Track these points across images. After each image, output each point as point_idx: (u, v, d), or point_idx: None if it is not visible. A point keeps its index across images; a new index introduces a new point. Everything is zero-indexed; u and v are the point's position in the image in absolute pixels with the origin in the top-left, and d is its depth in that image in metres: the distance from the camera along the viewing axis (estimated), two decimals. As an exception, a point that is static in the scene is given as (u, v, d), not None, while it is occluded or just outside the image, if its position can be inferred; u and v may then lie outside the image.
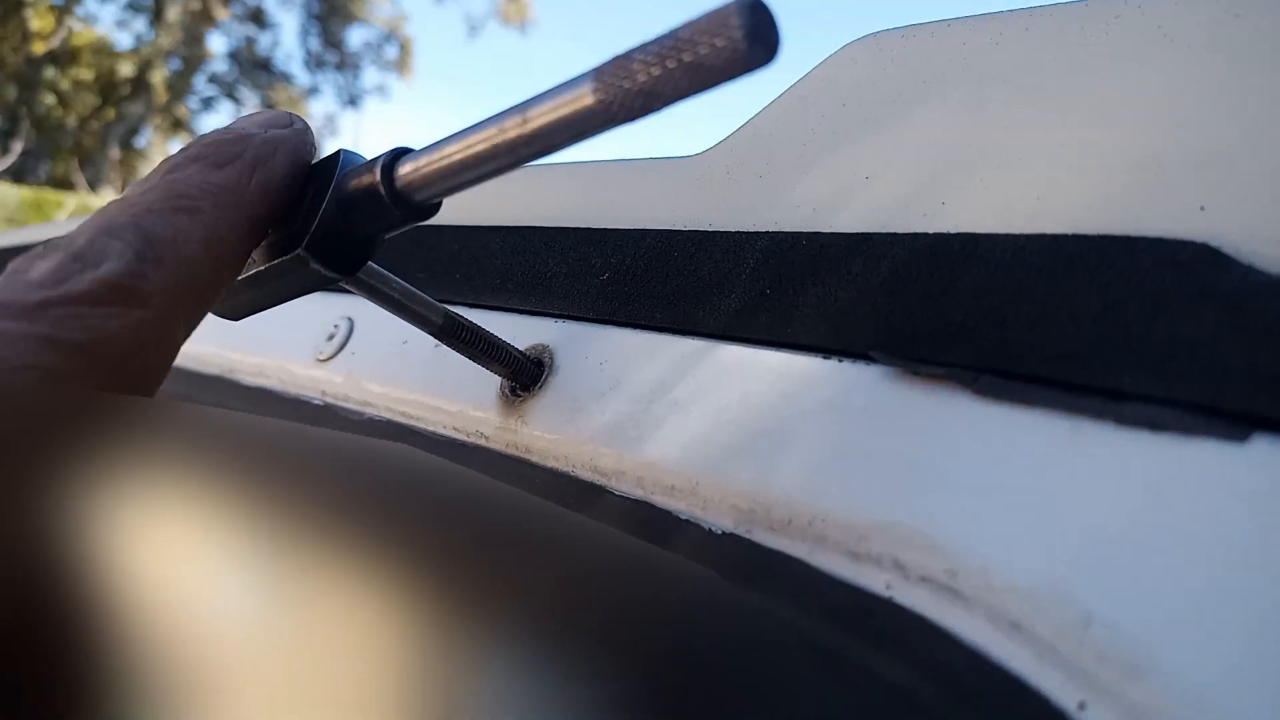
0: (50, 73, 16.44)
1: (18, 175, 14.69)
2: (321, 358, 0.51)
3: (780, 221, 0.36)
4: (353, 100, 20.36)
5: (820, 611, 0.28)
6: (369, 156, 0.31)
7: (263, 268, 0.31)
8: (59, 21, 16.31)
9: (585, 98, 0.23)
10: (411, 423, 0.44)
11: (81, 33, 16.94)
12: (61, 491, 0.20)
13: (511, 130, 0.24)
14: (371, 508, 0.29)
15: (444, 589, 0.27)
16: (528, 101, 0.24)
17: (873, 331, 0.30)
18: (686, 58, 0.21)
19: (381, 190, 0.28)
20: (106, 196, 12.90)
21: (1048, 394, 0.26)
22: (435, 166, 0.27)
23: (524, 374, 0.39)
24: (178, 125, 18.34)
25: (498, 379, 0.41)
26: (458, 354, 0.44)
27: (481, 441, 0.40)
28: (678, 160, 0.43)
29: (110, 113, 17.29)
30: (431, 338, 0.45)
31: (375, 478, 0.31)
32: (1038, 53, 0.33)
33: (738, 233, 0.36)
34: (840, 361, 0.30)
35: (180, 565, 0.20)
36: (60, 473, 0.20)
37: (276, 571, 0.20)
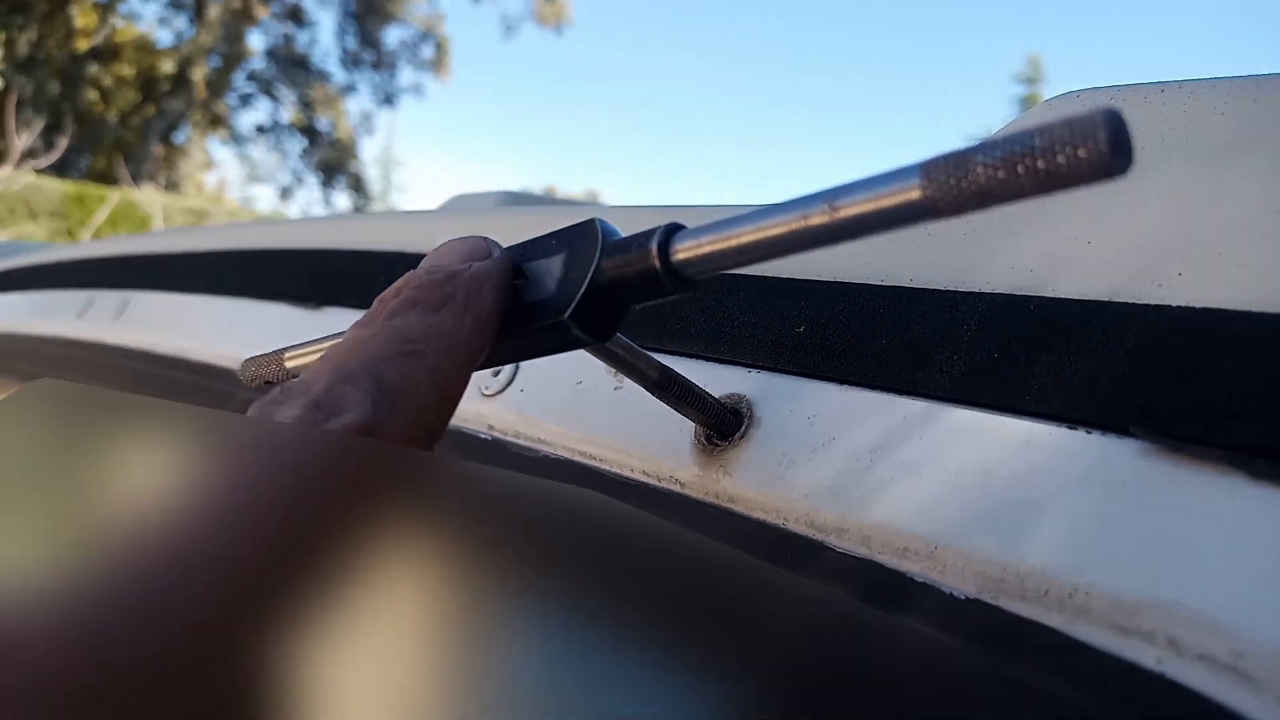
0: (93, 69, 16.70)
1: (60, 169, 14.93)
2: (487, 393, 0.51)
3: (994, 283, 0.36)
4: (388, 99, 20.51)
5: (1081, 682, 0.28)
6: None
7: (517, 332, 0.32)
8: (102, 19, 16.56)
9: (910, 192, 0.23)
10: (594, 464, 0.45)
11: (124, 30, 17.19)
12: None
13: (816, 218, 0.25)
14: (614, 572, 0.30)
15: (677, 656, 0.28)
16: (837, 190, 0.25)
17: (1126, 406, 0.30)
18: (1040, 164, 0.21)
19: (657, 267, 0.29)
20: (148, 192, 13.08)
21: (1333, 481, 0.26)
22: (719, 247, 0.27)
23: (723, 424, 0.40)
24: (216, 122, 18.57)
25: (689, 426, 0.42)
26: (640, 396, 0.44)
27: (676, 488, 0.41)
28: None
29: (151, 109, 17.52)
30: (611, 379, 0.46)
31: (608, 538, 0.32)
32: (1269, 124, 0.33)
33: (951, 292, 0.37)
34: (1089, 434, 0.31)
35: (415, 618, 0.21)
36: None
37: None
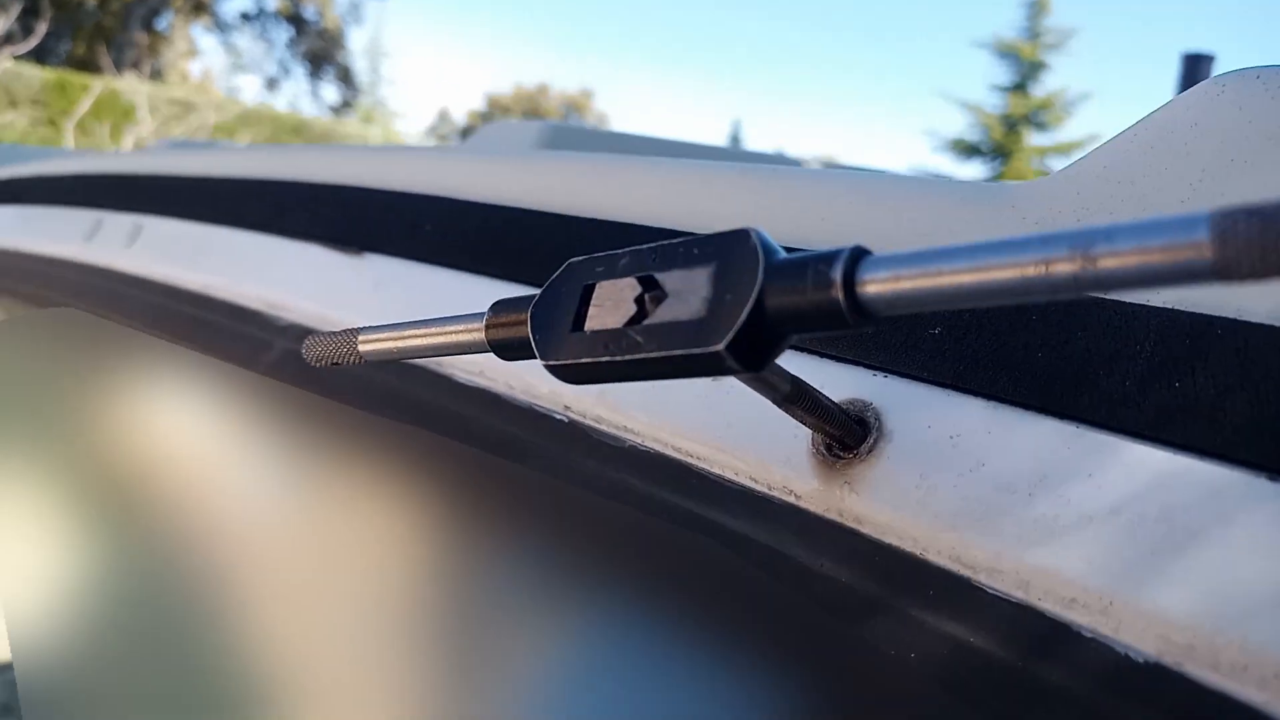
0: (70, -52, 15.97)
1: (39, 56, 14.42)
2: (563, 371, 0.48)
3: (1169, 296, 0.32)
4: (378, -13, 19.78)
5: (1287, 771, 0.26)
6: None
7: (657, 355, 0.28)
8: (78, -107, 15.76)
9: (1195, 248, 0.19)
10: (692, 462, 0.41)
11: (101, -94, 16.37)
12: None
13: (1062, 265, 0.21)
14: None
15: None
16: (1091, 233, 0.21)
17: (1348, 461, 0.27)
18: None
19: (840, 299, 0.25)
20: (131, 81, 12.69)
21: None
22: (923, 285, 0.23)
23: (848, 434, 0.36)
24: (199, 8, 17.92)
25: (804, 431, 0.38)
26: (743, 391, 0.41)
27: (791, 499, 0.38)
28: (1000, 188, 0.39)
29: (131, -8, 16.85)
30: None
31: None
32: None
33: (1116, 302, 0.33)
34: (1297, 487, 0.28)
35: None
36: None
37: None
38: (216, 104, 14.08)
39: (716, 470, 0.41)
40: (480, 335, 0.35)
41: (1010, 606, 0.31)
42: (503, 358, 0.35)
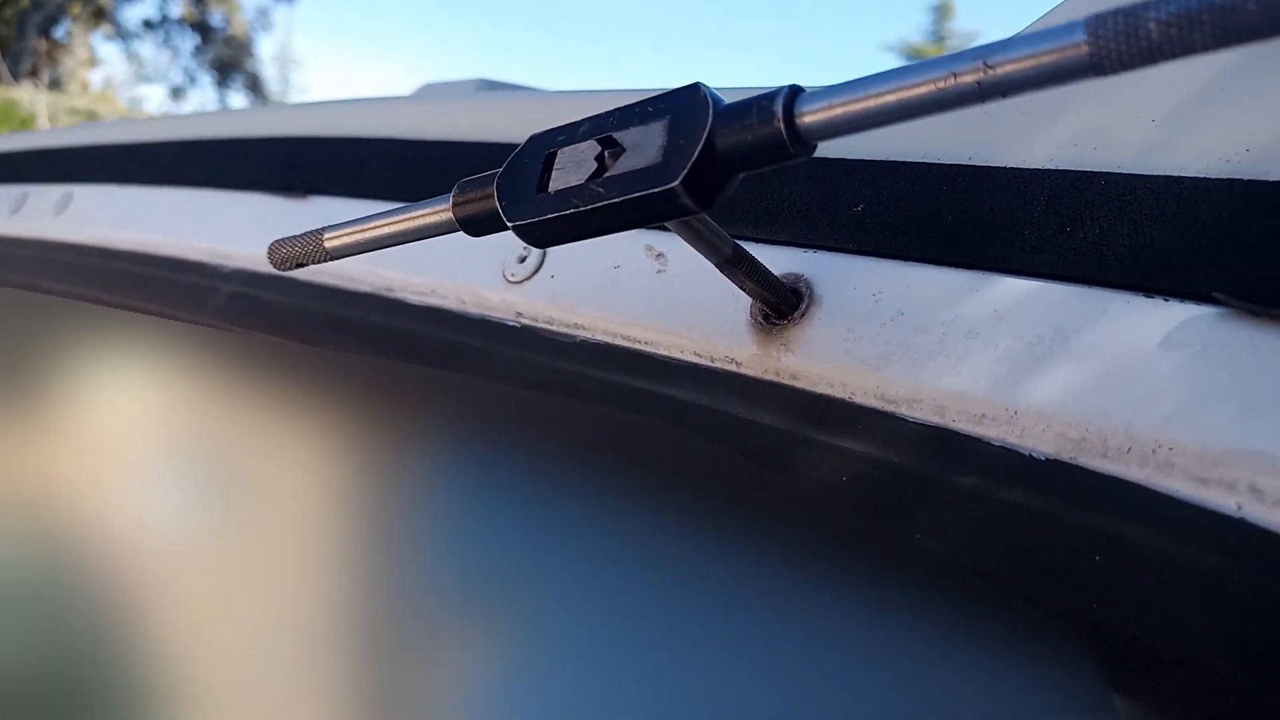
0: (-43, -48, 15.29)
1: (-74, 64, 13.76)
2: (514, 279, 0.51)
3: (1055, 158, 0.37)
4: (287, -7, 19.40)
5: (1163, 530, 0.30)
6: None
7: (618, 199, 0.31)
8: (-36, -105, 15.11)
9: (1075, 48, 0.24)
10: (641, 347, 0.45)
11: (-10, -91, 15.70)
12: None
13: (967, 75, 0.25)
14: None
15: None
16: (990, 47, 0.25)
17: (1208, 275, 0.32)
18: (1230, 21, 0.22)
19: (782, 131, 0.28)
20: (29, 90, 12.20)
21: None
22: (853, 108, 0.27)
23: (784, 302, 0.40)
24: (99, 15, 17.33)
25: (741, 307, 0.42)
26: (685, 278, 0.44)
27: (732, 367, 0.41)
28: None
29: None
30: (652, 263, 0.46)
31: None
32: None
33: (1016, 169, 0.38)
34: (1167, 301, 0.32)
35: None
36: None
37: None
38: (119, 114, 13.63)
39: (664, 351, 0.44)
40: (448, 215, 0.38)
41: (929, 429, 0.35)
42: (471, 233, 0.38)
